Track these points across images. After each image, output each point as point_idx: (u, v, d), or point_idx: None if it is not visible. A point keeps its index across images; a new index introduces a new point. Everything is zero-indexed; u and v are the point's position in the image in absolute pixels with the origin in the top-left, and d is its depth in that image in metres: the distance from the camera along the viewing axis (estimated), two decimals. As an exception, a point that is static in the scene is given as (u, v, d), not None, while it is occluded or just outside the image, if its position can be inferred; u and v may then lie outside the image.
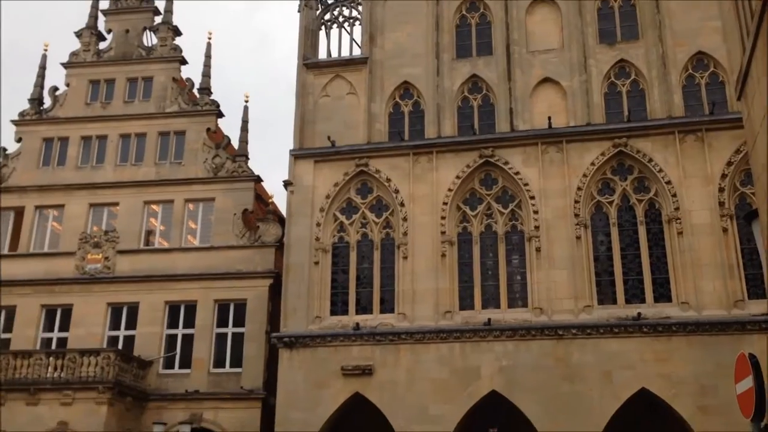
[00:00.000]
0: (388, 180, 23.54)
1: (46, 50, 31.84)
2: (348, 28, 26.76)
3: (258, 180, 28.68)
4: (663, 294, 20.98)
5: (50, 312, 27.64)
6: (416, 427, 20.83)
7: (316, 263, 23.23)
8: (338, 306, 23.04)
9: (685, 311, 20.38)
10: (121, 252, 27.62)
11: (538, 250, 21.78)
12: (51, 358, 24.09)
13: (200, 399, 25.20)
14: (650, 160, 21.89)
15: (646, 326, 20.29)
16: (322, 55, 26.39)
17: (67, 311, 27.31)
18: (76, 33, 31.28)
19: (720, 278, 20.38)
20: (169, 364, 26.51)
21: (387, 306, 22.65)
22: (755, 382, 7.54)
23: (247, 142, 29.28)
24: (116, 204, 28.56)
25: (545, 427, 20.04)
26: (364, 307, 22.85)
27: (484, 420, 21.22)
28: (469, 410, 20.82)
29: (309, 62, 25.98)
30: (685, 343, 19.99)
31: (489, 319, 21.38)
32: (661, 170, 21.70)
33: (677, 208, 21.25)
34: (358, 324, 22.16)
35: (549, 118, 22.98)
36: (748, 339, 18.29)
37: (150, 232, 28.70)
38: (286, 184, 24.44)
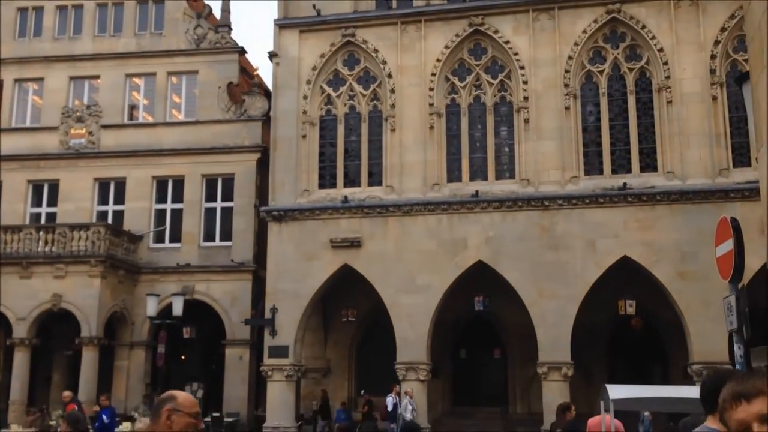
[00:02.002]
0: (376, 50, 22.96)
1: None
2: None
3: (242, 52, 27.97)
4: (649, 164, 21.05)
5: (37, 187, 27.61)
6: (404, 297, 21.35)
7: (304, 137, 23.01)
8: (326, 179, 23.04)
9: (670, 180, 20.51)
10: (105, 127, 27.26)
11: (526, 121, 21.59)
12: (41, 233, 24.28)
13: (192, 272, 25.68)
14: (643, 27, 21.34)
15: (631, 196, 20.47)
16: None
17: (54, 186, 27.28)
18: None
19: (706, 147, 20.39)
20: (159, 238, 26.81)
21: (375, 179, 22.67)
22: (735, 244, 7.63)
23: (229, 12, 28.33)
24: (97, 77, 27.93)
25: (529, 294, 20.60)
26: (352, 180, 22.88)
27: (471, 289, 21.76)
28: (455, 280, 21.30)
29: (291, -76, 24.69)
30: (669, 211, 20.26)
31: (476, 191, 21.48)
32: (653, 37, 21.21)
33: (668, 77, 20.93)
34: (346, 197, 22.24)
35: (541, -16, 22.19)
36: (731, 206, 18.44)
37: (133, 107, 28.25)
38: (271, 55, 23.83)
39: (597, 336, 23.00)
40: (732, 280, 7.65)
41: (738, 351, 7.50)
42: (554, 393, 19.94)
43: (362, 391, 23.56)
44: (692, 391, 13.18)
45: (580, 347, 20.66)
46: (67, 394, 18.14)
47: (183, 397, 3.61)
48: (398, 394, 20.26)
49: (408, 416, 19.96)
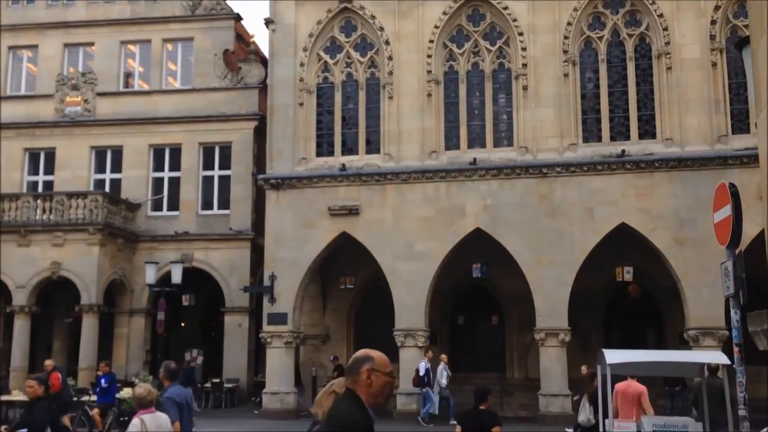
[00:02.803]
0: (373, 17, 22.73)
1: None
2: None
3: (238, 18, 27.70)
4: (648, 131, 21.00)
5: (33, 155, 27.53)
6: (402, 264, 21.42)
7: (301, 104, 22.90)
8: (324, 147, 22.97)
9: (668, 147, 20.48)
10: (101, 94, 27.09)
11: (525, 88, 21.47)
12: (39, 201, 24.26)
13: (190, 240, 25.72)
14: (643, -8, 21.15)
15: (630, 163, 20.45)
16: None
17: (50, 154, 27.21)
18: None
19: (705, 114, 20.32)
20: (157, 206, 26.80)
21: (373, 146, 22.61)
22: (733, 210, 7.65)
23: (224, -22, 27.98)
24: (92, 44, 27.68)
25: (527, 261, 20.68)
26: (349, 148, 22.82)
27: (469, 256, 21.81)
28: (453, 247, 21.35)
29: None
30: (667, 178, 20.26)
31: (474, 159, 21.45)
32: (653, 2, 20.98)
33: (668, 43, 20.79)
34: (344, 165, 22.20)
35: (540, -52, 21.91)
36: (729, 173, 18.43)
37: (129, 74, 28.05)
38: (268, 22, 23.60)
39: (594, 302, 23.14)
40: (729, 245, 7.69)
41: (734, 316, 7.57)
42: (551, 359, 20.16)
43: (332, 357, 23.75)
44: (687, 356, 13.34)
45: (578, 313, 20.81)
46: (48, 362, 18.26)
47: (378, 356, 3.74)
48: (430, 359, 20.41)
49: (444, 382, 20.15)
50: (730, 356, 8.39)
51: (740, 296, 7.47)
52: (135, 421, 7.12)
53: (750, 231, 15.60)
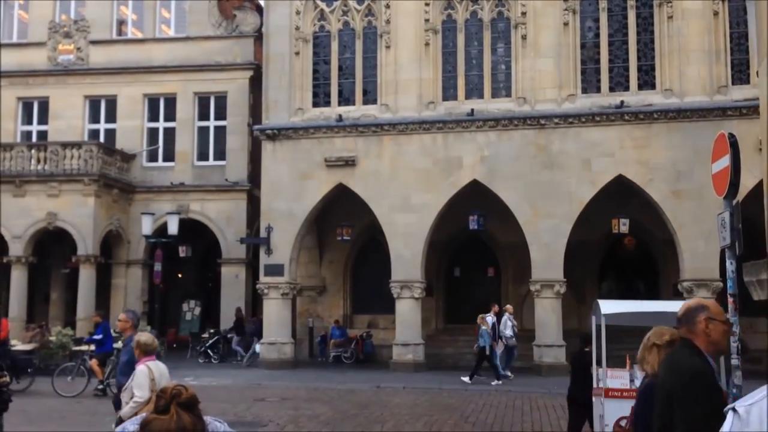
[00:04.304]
0: (370, -37, 22.26)
1: None
2: None
3: (232, -36, 27.14)
4: (647, 81, 20.76)
5: (27, 104, 27.24)
6: (399, 216, 21.39)
7: (297, 53, 22.57)
8: (320, 97, 22.73)
9: (667, 98, 20.27)
10: (94, 42, 26.67)
11: (524, 37, 21.15)
12: (33, 151, 24.10)
13: (186, 191, 25.63)
14: (646, -63, 20.70)
15: (628, 114, 20.27)
16: None
17: (43, 104, 26.93)
18: None
19: (706, 64, 20.06)
20: (152, 157, 26.63)
21: (370, 97, 22.37)
22: (732, 160, 7.56)
23: None
24: (83, -10, 27.16)
25: (523, 213, 20.66)
26: (346, 99, 22.57)
27: (466, 208, 21.77)
28: (450, 199, 21.29)
29: None
30: (666, 129, 20.11)
31: (472, 110, 21.24)
32: (656, -51, 20.59)
33: (669, -9, 20.42)
34: (340, 115, 21.98)
35: None
36: (728, 124, 18.24)
37: (122, 22, 27.58)
38: (262, -32, 23.14)
39: (590, 254, 23.21)
40: (727, 196, 7.61)
41: (730, 266, 7.54)
42: (546, 310, 20.29)
43: (236, 308, 23.94)
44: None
45: (573, 265, 20.87)
46: None
47: (713, 305, 3.77)
48: (497, 313, 20.21)
49: (508, 333, 20.07)
50: (723, 307, 8.39)
51: (736, 247, 7.43)
52: (142, 368, 7.02)
53: (747, 183, 15.56)
